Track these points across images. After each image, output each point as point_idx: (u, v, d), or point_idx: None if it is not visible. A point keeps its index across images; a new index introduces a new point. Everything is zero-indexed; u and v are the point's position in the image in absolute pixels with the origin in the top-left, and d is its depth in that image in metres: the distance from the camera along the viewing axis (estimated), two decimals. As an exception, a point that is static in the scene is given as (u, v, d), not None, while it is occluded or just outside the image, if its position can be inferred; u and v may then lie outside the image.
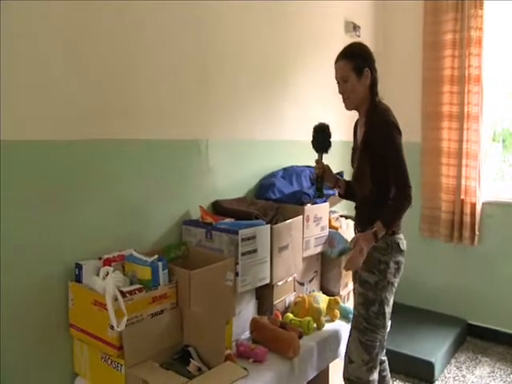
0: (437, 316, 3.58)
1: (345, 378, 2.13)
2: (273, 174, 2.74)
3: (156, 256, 1.91)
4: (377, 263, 2.04)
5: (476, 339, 3.56)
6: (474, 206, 3.48)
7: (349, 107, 2.15)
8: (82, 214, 1.93)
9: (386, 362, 2.34)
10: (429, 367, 2.97)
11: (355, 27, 3.52)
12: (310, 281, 2.69)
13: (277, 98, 2.84)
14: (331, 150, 2.20)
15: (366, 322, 2.06)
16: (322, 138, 2.19)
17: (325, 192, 2.29)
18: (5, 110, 1.67)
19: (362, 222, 2.18)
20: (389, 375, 2.33)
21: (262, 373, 1.98)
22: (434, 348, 3.10)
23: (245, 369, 1.83)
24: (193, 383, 1.64)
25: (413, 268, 3.79)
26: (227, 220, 2.26)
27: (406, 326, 3.35)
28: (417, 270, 3.77)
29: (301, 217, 2.46)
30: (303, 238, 2.50)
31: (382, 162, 2.02)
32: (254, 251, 2.18)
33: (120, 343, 1.69)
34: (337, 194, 2.42)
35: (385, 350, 2.22)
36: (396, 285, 2.09)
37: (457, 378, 3.05)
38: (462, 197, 3.52)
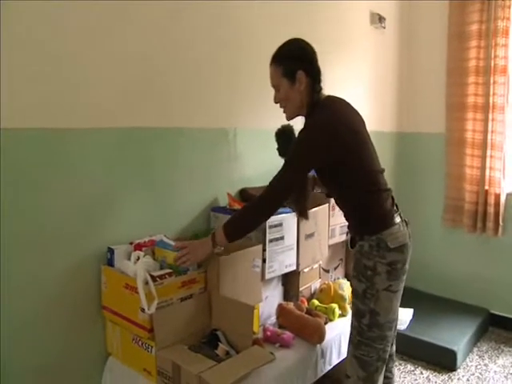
0: (459, 305, 3.48)
1: None
2: (299, 163, 2.68)
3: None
4: (363, 269, 1.73)
5: (498, 329, 3.45)
6: (498, 196, 3.36)
7: (287, 117, 1.84)
8: (113, 200, 1.92)
9: (393, 373, 2.03)
10: (451, 355, 2.88)
11: (380, 19, 3.40)
12: (335, 268, 2.64)
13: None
14: None
15: (358, 336, 1.76)
16: (285, 142, 1.94)
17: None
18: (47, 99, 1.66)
19: (348, 224, 1.91)
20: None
21: (289, 358, 1.95)
22: (456, 337, 3.01)
23: (271, 353, 1.79)
24: (221, 366, 1.61)
25: (435, 257, 3.74)
26: (254, 207, 2.22)
27: (429, 314, 3.27)
28: (439, 260, 3.71)
29: (326, 205, 2.40)
30: (329, 226, 2.44)
31: (325, 166, 1.73)
32: (281, 238, 2.14)
33: (151, 326, 1.67)
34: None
35: (392, 362, 2.00)
36: (399, 287, 1.76)
37: (479, 366, 2.96)
38: (486, 187, 3.39)
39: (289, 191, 1.72)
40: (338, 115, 1.73)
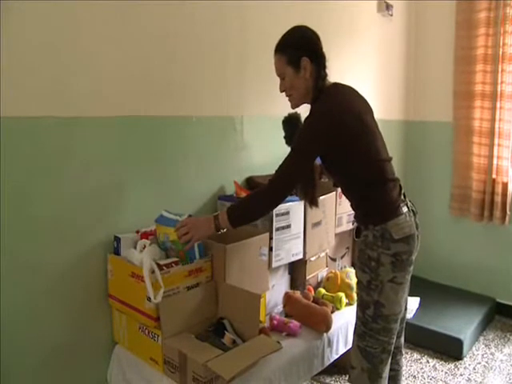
0: (466, 294, 3.42)
1: None
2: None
3: (187, 215, 1.76)
4: (367, 260, 1.66)
5: (505, 318, 3.39)
6: (505, 185, 3.27)
7: (293, 106, 1.79)
8: (120, 189, 1.87)
9: (400, 365, 1.95)
10: (457, 344, 2.83)
11: (388, 6, 3.30)
12: (342, 257, 2.58)
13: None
14: None
15: (363, 326, 1.71)
16: (292, 130, 1.87)
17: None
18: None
19: (354, 214, 1.84)
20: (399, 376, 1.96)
21: (295, 346, 1.90)
22: (462, 325, 2.95)
23: (278, 342, 1.74)
24: (228, 355, 1.56)
25: (442, 246, 3.67)
26: (261, 196, 2.16)
27: (435, 303, 3.21)
28: (446, 249, 3.64)
29: (334, 193, 2.34)
30: (336, 215, 2.38)
31: (330, 154, 1.67)
32: (288, 226, 2.08)
33: (157, 315, 1.63)
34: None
35: (400, 354, 1.93)
36: (404, 279, 1.68)
37: (485, 355, 2.91)
38: (494, 176, 3.31)
39: (295, 179, 1.66)
40: (343, 103, 1.66)
